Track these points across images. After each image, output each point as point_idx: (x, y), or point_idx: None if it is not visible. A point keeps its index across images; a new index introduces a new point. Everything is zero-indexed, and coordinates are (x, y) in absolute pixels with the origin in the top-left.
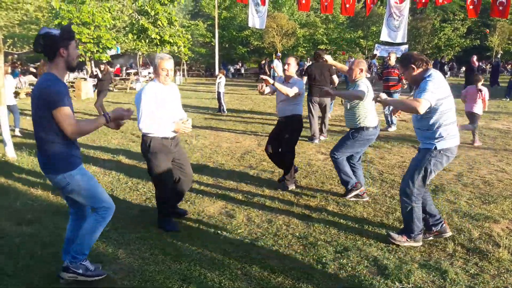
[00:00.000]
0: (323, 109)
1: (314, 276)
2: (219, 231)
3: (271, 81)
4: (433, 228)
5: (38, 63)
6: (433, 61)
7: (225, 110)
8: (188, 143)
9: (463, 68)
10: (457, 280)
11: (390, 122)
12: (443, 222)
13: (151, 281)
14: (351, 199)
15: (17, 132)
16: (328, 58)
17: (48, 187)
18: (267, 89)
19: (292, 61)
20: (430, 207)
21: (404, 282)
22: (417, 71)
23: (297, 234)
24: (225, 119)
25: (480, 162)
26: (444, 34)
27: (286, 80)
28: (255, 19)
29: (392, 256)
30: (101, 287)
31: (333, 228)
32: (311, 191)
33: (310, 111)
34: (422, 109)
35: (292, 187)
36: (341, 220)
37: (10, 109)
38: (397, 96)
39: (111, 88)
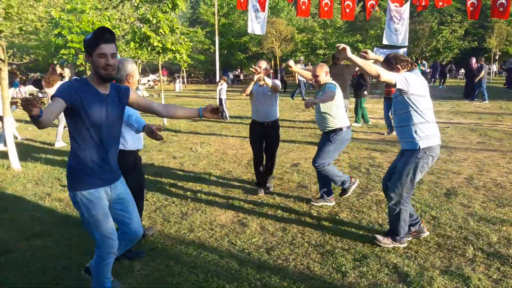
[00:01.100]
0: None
1: (335, 285)
2: (233, 241)
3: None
4: (411, 228)
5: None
6: (433, 64)
7: (227, 117)
8: (193, 151)
9: (462, 70)
10: (481, 286)
11: (391, 127)
12: (420, 222)
13: None
14: (361, 202)
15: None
16: (291, 63)
17: (55, 200)
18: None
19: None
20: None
21: None
22: (401, 72)
23: (313, 242)
24: (228, 125)
25: (489, 164)
26: (442, 36)
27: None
28: (255, 25)
29: (412, 263)
30: None
31: (349, 235)
32: None
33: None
34: (384, 76)
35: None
36: (356, 227)
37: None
38: None
39: None
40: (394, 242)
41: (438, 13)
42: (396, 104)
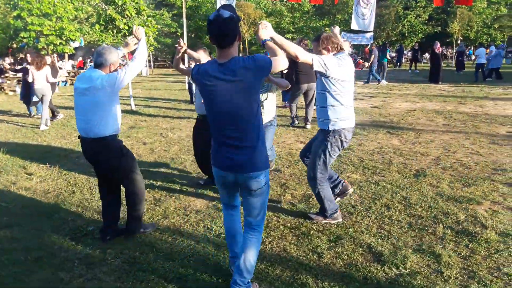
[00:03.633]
0: (309, 95)
1: (312, 266)
2: (208, 226)
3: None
4: (335, 190)
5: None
6: (398, 48)
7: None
8: (164, 136)
9: (426, 54)
10: (451, 262)
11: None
12: (342, 181)
13: (145, 281)
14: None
15: None
16: None
17: (21, 188)
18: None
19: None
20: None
21: (401, 267)
22: (331, 52)
23: (288, 225)
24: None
25: (455, 145)
26: (408, 21)
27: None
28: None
29: (385, 243)
30: None
31: None
32: (295, 180)
33: (292, 97)
34: (302, 57)
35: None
36: None
37: None
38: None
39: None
40: (326, 218)
41: None
42: (317, 84)
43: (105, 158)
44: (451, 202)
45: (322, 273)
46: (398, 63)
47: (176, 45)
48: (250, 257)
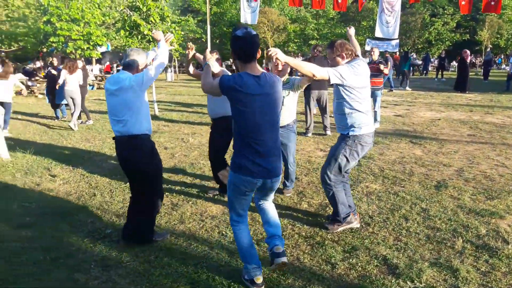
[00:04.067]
0: (321, 102)
1: (325, 276)
2: (223, 232)
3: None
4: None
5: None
6: (424, 56)
7: None
8: (185, 142)
9: (453, 62)
10: (469, 278)
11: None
12: (355, 211)
13: (158, 285)
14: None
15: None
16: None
17: (44, 190)
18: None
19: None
20: (348, 198)
21: (416, 281)
22: (345, 60)
23: (303, 234)
24: None
25: (480, 156)
26: (435, 28)
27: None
28: (247, 14)
29: (401, 255)
30: None
31: None
32: (313, 189)
33: (307, 103)
34: (317, 74)
35: None
36: None
37: (4, 106)
38: (380, 93)
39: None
40: (340, 225)
41: (430, 5)
42: (334, 93)
43: (137, 157)
44: (472, 215)
45: (335, 284)
46: (425, 71)
47: (185, 50)
48: (277, 217)
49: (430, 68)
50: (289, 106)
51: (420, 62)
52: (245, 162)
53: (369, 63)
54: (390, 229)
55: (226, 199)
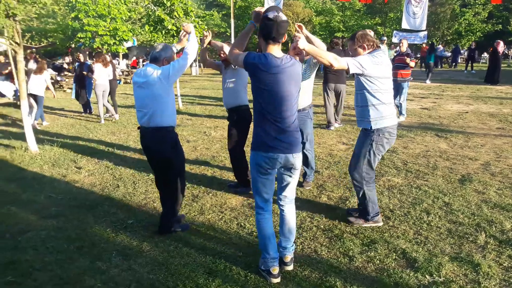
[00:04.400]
0: (338, 96)
1: (342, 269)
2: (242, 223)
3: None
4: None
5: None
6: (454, 48)
7: None
8: (207, 135)
9: (485, 54)
10: (491, 273)
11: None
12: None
13: (176, 274)
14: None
15: (35, 124)
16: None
17: (70, 181)
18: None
19: None
20: None
21: (435, 275)
22: (366, 51)
23: (322, 226)
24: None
25: (508, 150)
26: (465, 19)
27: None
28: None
29: (421, 249)
30: (129, 278)
31: None
32: (333, 182)
33: (325, 98)
34: (335, 64)
35: None
36: None
37: (37, 99)
38: (406, 85)
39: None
40: (367, 222)
41: None
42: (355, 85)
43: (161, 148)
44: (497, 209)
45: (352, 276)
46: (454, 63)
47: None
48: (294, 225)
49: (459, 60)
50: (305, 90)
51: (449, 54)
52: (265, 139)
53: (397, 55)
54: (410, 223)
55: (241, 194)
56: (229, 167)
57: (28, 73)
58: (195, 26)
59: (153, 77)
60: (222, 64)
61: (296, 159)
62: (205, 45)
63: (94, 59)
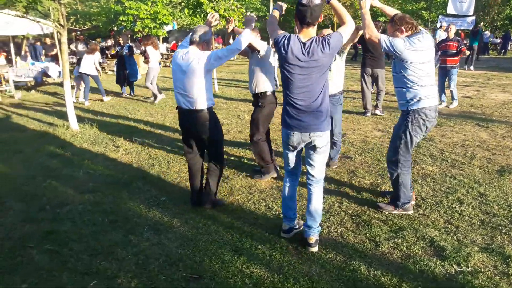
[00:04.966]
0: (376, 81)
1: (367, 254)
2: (270, 205)
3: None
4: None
5: (103, 40)
6: (504, 33)
7: (277, 85)
8: (240, 118)
9: None
10: None
11: (440, 98)
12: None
13: (203, 250)
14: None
15: (86, 103)
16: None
17: (108, 159)
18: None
19: None
20: None
21: (462, 265)
22: (404, 34)
23: (350, 212)
24: (277, 94)
25: None
26: None
27: None
28: None
29: (450, 238)
30: (159, 252)
31: None
32: (365, 168)
33: (362, 83)
34: (370, 35)
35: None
36: None
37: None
38: (455, 72)
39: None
40: (397, 209)
41: None
42: (393, 67)
43: (202, 128)
44: None
45: (377, 262)
46: (503, 50)
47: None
48: (320, 206)
49: (509, 47)
50: (335, 77)
51: (498, 41)
52: (286, 117)
53: (444, 40)
54: (441, 212)
55: (274, 174)
56: None
57: (78, 53)
58: (233, 10)
59: (194, 63)
60: (249, 50)
61: (316, 138)
62: (229, 31)
63: (143, 42)
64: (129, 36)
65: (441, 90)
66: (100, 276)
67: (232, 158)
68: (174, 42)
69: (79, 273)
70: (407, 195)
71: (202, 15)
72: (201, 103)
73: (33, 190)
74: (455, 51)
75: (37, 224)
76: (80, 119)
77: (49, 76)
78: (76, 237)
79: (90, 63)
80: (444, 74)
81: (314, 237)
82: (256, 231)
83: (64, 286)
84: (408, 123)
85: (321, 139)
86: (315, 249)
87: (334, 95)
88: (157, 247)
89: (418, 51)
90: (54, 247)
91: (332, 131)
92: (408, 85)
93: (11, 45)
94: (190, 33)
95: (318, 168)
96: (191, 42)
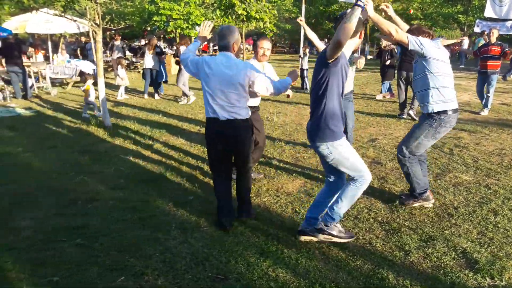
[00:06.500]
0: (411, 85)
1: (396, 263)
2: (297, 209)
3: None
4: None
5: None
6: None
7: (307, 88)
8: (269, 120)
9: None
10: None
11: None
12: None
13: (229, 251)
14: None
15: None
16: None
17: (138, 156)
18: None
19: None
20: (423, 178)
21: (496, 278)
22: None
23: (379, 219)
24: (307, 96)
25: None
26: None
27: None
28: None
29: (484, 250)
30: (185, 251)
31: (419, 215)
32: (396, 175)
33: (398, 84)
34: (395, 34)
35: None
36: (428, 208)
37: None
38: (495, 78)
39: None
40: (416, 200)
41: None
42: (415, 69)
43: (242, 138)
44: None
45: (406, 271)
46: None
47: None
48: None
49: None
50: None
51: None
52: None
53: (486, 45)
54: (475, 223)
55: (302, 177)
56: (288, 153)
57: (113, 49)
58: (264, 11)
59: (241, 76)
60: None
61: (318, 149)
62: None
63: (179, 42)
64: (161, 36)
65: (481, 96)
66: (128, 272)
67: (260, 160)
68: (205, 43)
69: (108, 268)
70: (421, 184)
71: (233, 16)
72: (241, 114)
73: (65, 185)
74: (497, 56)
75: (68, 218)
76: (112, 116)
77: (84, 74)
78: (106, 232)
79: (151, 60)
80: (483, 79)
81: (304, 228)
82: (283, 234)
83: (93, 281)
84: (427, 125)
85: (322, 150)
86: (301, 238)
87: (345, 95)
88: (184, 245)
89: (441, 49)
90: (84, 241)
91: (346, 125)
92: (435, 85)
93: (49, 43)
94: (218, 39)
95: (332, 168)
96: (223, 48)
